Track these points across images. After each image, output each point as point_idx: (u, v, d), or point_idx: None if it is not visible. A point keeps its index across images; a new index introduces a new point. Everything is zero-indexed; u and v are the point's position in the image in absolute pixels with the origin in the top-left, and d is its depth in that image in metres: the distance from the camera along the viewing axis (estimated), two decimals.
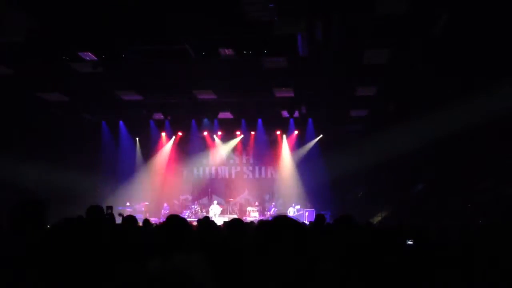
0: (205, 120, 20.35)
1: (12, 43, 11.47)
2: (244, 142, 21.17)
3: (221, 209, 19.55)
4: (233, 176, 21.68)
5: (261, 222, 1.72)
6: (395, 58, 12.74)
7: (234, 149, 21.43)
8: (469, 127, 14.24)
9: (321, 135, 20.17)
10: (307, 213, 18.07)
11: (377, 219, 17.85)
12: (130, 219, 5.88)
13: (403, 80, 14.70)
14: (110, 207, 7.25)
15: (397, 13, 10.10)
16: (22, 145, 16.09)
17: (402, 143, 16.20)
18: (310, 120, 19.91)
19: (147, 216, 17.17)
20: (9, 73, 13.64)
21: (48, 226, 3.35)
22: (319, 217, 7.81)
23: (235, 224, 4.21)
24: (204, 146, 21.30)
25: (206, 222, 7.30)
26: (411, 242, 4.96)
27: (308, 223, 10.74)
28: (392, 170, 17.81)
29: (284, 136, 20.65)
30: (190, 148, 21.24)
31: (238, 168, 21.70)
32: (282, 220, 1.70)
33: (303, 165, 20.25)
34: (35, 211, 3.36)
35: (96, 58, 12.55)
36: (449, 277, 3.60)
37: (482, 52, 11.98)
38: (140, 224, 8.28)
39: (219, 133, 20.91)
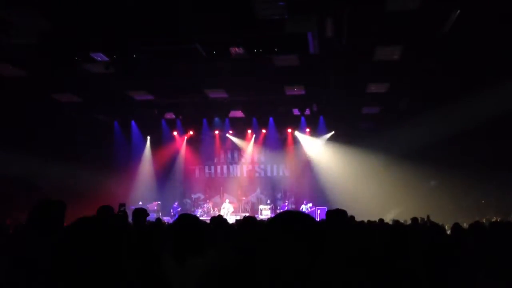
0: (216, 119, 20.38)
1: (25, 45, 11.58)
2: (255, 140, 21.17)
3: (233, 207, 19.58)
4: (245, 174, 21.69)
5: (271, 219, 1.70)
6: (407, 54, 12.64)
7: (246, 148, 21.44)
8: (482, 122, 14.12)
9: (333, 131, 20.09)
10: (319, 211, 18.02)
11: (389, 216, 17.75)
12: (140, 212, 5.91)
13: (415, 77, 14.58)
14: (123, 205, 7.28)
15: (409, 9, 10.02)
16: (36, 146, 16.24)
17: (414, 140, 16.11)
18: (321, 117, 19.85)
19: (160, 215, 17.27)
20: (23, 75, 13.77)
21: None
22: (329, 214, 7.72)
23: (248, 222, 4.21)
24: (216, 145, 21.35)
25: (218, 220, 7.31)
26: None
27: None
28: (404, 167, 17.69)
29: (296, 132, 20.62)
30: (202, 147, 21.32)
31: (250, 167, 21.71)
32: (292, 215, 1.68)
33: (315, 163, 20.24)
34: (55, 211, 3.40)
35: (107, 59, 12.63)
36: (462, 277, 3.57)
37: (495, 47, 11.87)
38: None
39: (231, 131, 20.93)
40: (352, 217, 7.50)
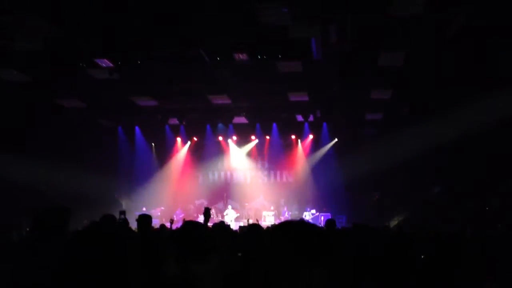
0: (220, 125, 20.39)
1: (30, 50, 11.64)
2: (259, 147, 21.16)
3: (237, 213, 19.53)
4: (248, 180, 21.64)
5: (270, 227, 1.71)
6: (410, 60, 12.64)
7: (249, 154, 21.43)
8: (486, 128, 14.07)
9: (336, 139, 20.09)
10: (322, 217, 17.97)
11: (393, 222, 17.71)
12: (145, 218, 5.91)
13: (418, 83, 14.57)
14: (123, 212, 7.25)
15: (413, 15, 10.03)
16: (40, 151, 16.28)
17: (418, 146, 16.06)
18: (324, 124, 19.84)
19: (163, 221, 17.27)
20: (28, 80, 13.84)
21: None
22: (329, 223, 7.67)
23: (253, 229, 4.20)
24: (219, 151, 21.35)
25: (221, 227, 7.29)
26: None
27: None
28: (408, 173, 17.65)
29: (299, 140, 20.63)
30: (205, 153, 21.31)
31: (253, 173, 21.67)
32: (289, 226, 1.68)
33: (318, 169, 20.20)
34: (59, 218, 3.41)
35: (112, 65, 12.69)
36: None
37: (499, 53, 11.85)
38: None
39: (234, 137, 20.93)
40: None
